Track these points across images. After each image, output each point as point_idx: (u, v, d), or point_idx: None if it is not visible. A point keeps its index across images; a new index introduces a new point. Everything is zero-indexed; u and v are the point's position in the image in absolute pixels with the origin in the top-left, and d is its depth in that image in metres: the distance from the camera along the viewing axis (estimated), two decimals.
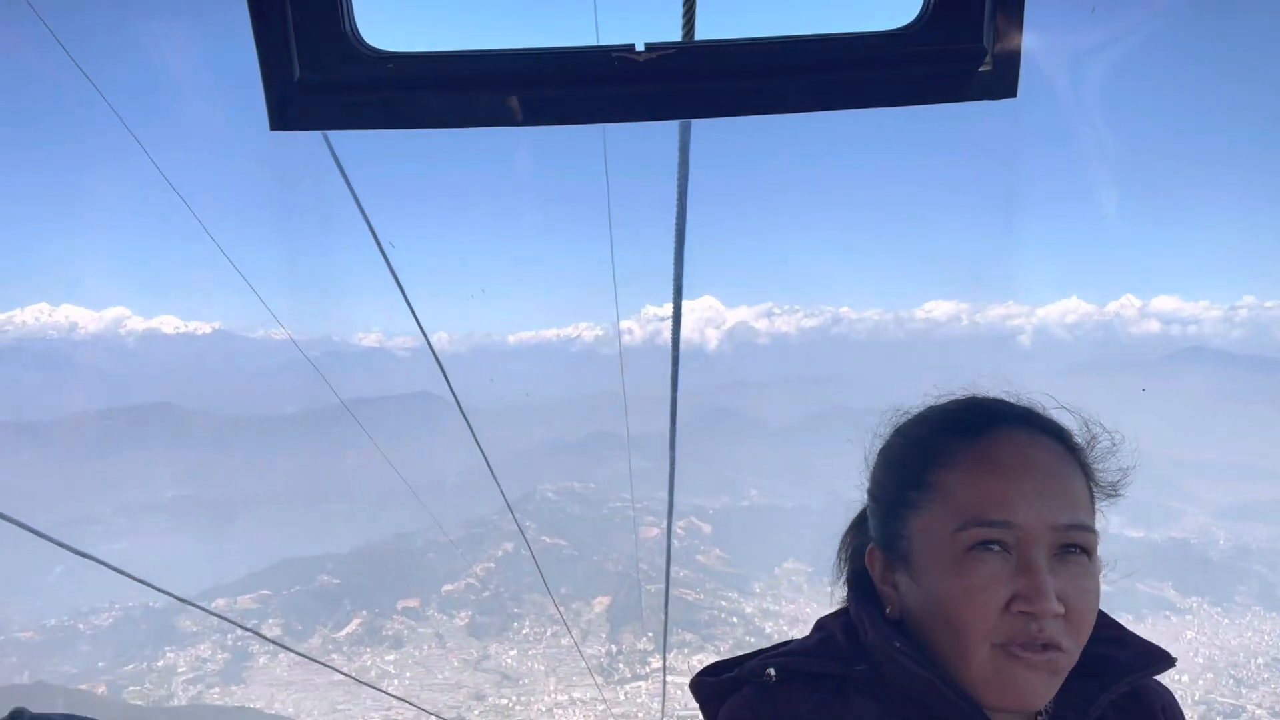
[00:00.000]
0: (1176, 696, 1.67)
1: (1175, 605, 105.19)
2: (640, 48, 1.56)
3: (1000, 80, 1.59)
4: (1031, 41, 1.59)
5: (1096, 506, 1.52)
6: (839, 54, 1.59)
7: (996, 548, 1.40)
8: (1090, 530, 1.43)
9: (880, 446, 1.63)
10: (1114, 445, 1.56)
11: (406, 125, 1.63)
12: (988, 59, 1.58)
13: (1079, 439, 1.54)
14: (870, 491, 1.63)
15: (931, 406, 1.60)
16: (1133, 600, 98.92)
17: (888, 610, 1.55)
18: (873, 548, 1.59)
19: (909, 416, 1.62)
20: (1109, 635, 1.56)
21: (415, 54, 1.60)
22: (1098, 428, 1.57)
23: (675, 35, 1.79)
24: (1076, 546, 1.41)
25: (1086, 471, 1.50)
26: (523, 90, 1.60)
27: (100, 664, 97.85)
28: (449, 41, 1.60)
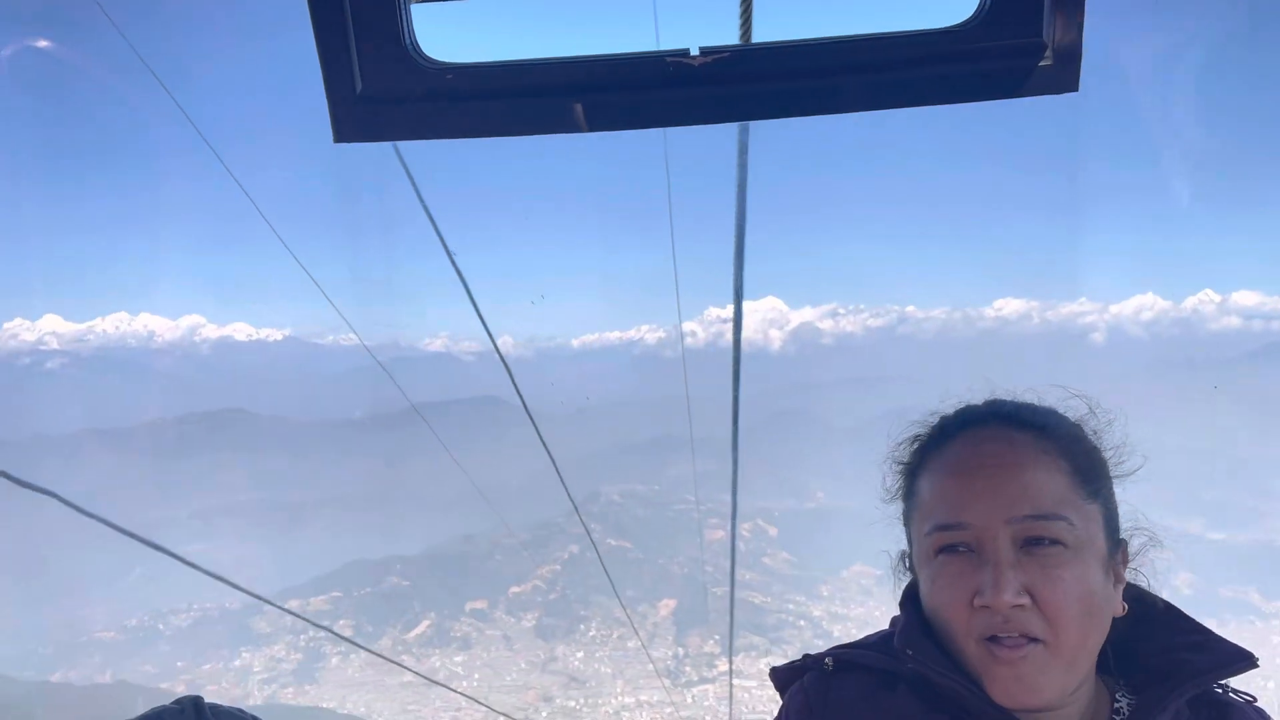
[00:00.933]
0: (1263, 706, 1.63)
1: (1260, 610, 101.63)
2: (695, 52, 1.56)
3: (1061, 74, 1.57)
4: (1093, 31, 1.56)
5: (1094, 489, 1.51)
6: (897, 52, 1.58)
7: (963, 549, 1.46)
8: (1058, 519, 1.43)
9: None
10: (1108, 423, 1.58)
11: (467, 135, 1.65)
12: (1048, 53, 1.55)
13: (1063, 426, 1.55)
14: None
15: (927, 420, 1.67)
16: (1215, 605, 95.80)
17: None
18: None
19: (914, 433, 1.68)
20: (1193, 640, 1.56)
21: (474, 64, 1.61)
22: (1100, 410, 1.59)
23: (733, 38, 1.78)
24: (1044, 539, 1.42)
25: (1070, 457, 1.50)
26: (581, 97, 1.61)
27: (179, 664, 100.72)
28: (508, 51, 1.61)
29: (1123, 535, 1.57)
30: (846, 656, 1.65)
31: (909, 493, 1.62)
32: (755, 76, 1.59)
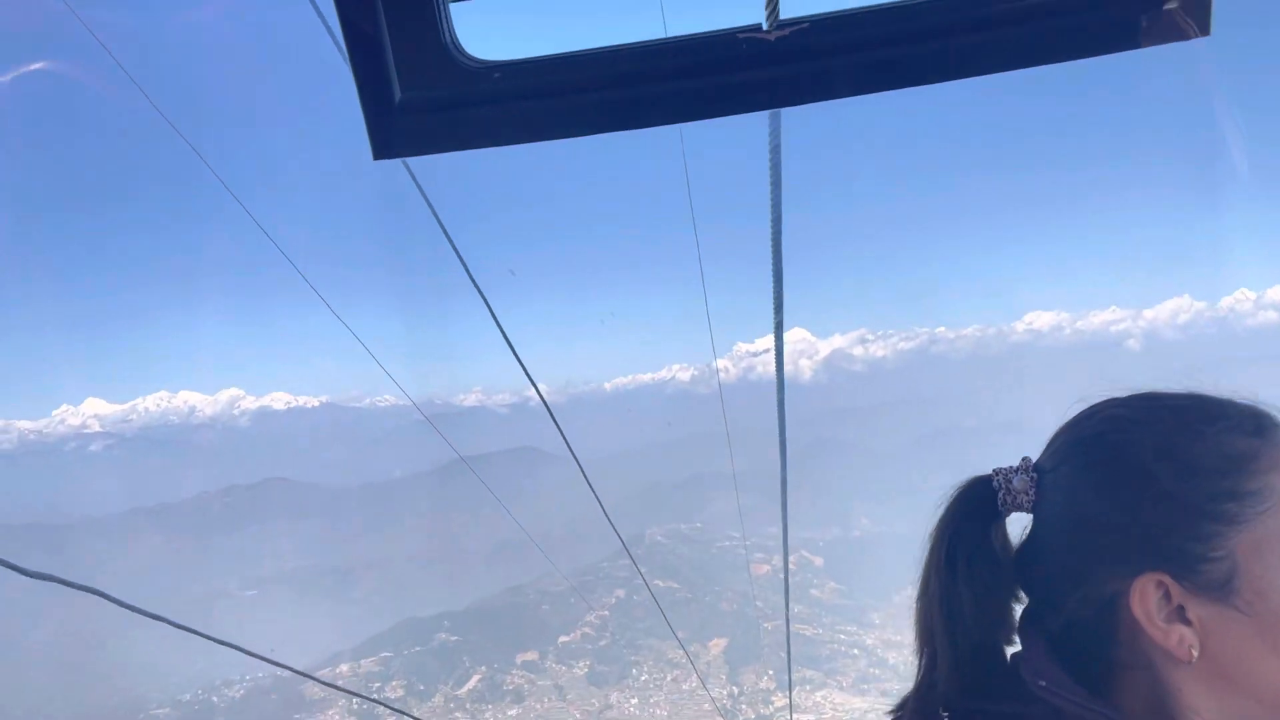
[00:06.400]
0: None
1: None
2: (765, 26, 1.38)
3: (1192, 16, 1.35)
4: None
5: None
6: (998, 9, 1.37)
7: None
8: None
9: (1114, 458, 1.30)
10: None
11: (521, 140, 1.50)
12: None
13: None
14: (1110, 512, 1.29)
15: (1164, 406, 1.32)
16: None
17: (1189, 649, 1.22)
18: (1147, 578, 1.26)
19: (1129, 420, 1.32)
20: None
21: (524, 60, 1.45)
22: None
23: (759, 17, 1.57)
24: None
25: None
26: (647, 87, 1.44)
27: None
28: (555, 43, 1.45)
29: None
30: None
31: (1233, 493, 1.22)
32: (842, 48, 1.40)
